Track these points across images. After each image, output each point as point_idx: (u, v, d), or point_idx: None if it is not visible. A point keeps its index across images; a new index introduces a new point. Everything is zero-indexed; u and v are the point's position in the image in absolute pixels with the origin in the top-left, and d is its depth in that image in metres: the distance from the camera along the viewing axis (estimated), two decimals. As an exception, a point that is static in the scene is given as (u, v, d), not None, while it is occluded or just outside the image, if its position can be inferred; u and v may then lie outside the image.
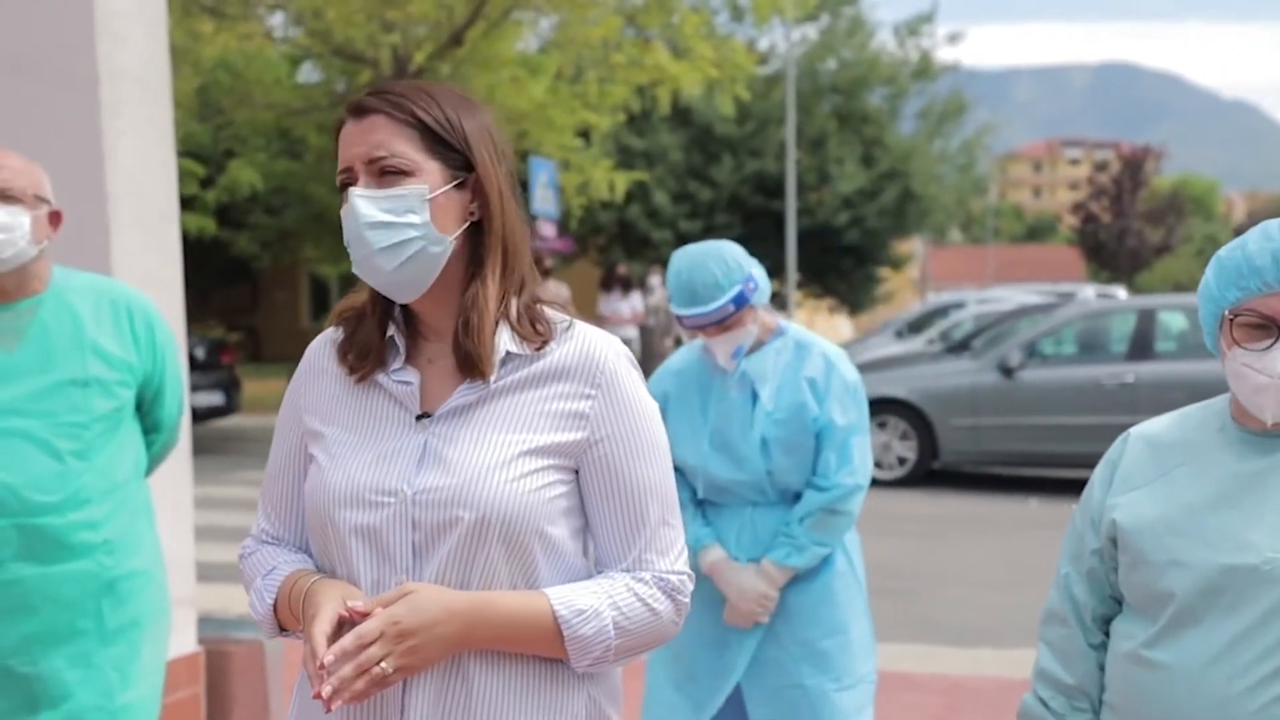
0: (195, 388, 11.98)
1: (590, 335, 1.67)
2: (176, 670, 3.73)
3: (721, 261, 3.03)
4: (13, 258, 2.55)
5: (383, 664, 1.50)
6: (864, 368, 12.34)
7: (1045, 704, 1.95)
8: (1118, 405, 9.78)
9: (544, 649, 1.60)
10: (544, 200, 15.32)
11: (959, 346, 13.19)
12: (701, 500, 3.25)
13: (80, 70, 3.65)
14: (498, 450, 1.59)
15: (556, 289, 14.34)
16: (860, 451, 3.16)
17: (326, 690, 1.48)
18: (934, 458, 10.69)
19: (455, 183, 1.62)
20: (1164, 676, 1.78)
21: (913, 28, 23.96)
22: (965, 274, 53.14)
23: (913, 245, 32.09)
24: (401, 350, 1.66)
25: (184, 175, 14.95)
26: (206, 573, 4.93)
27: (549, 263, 14.88)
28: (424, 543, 1.58)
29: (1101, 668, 1.91)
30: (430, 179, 1.60)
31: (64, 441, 2.57)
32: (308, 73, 16.57)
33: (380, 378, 1.66)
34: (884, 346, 18.54)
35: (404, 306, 1.67)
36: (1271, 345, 1.72)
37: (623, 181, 15.35)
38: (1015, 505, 9.86)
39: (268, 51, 14.34)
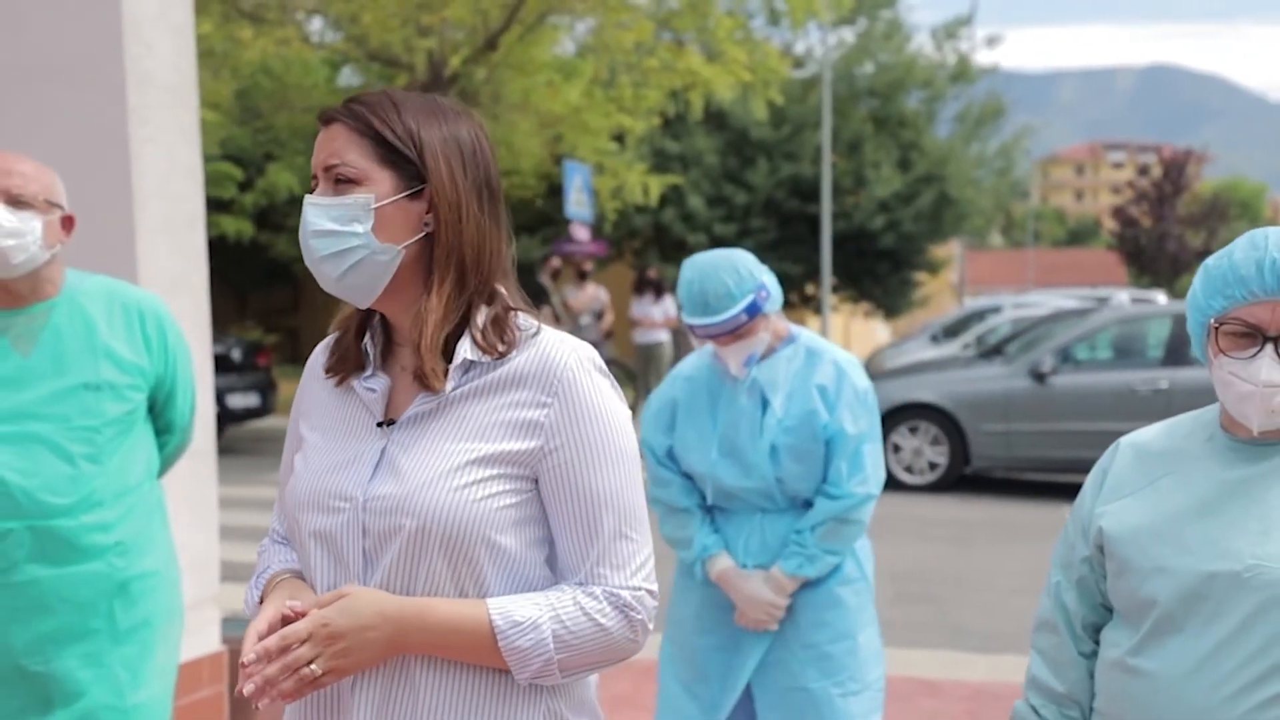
0: (231, 389, 12.12)
1: (553, 342, 1.65)
2: (200, 669, 3.79)
3: (734, 270, 3.02)
4: (24, 262, 2.58)
5: (312, 665, 1.51)
6: (896, 372, 12.30)
7: (1036, 711, 1.96)
8: (1151, 411, 9.69)
9: (483, 658, 1.58)
10: (578, 204, 15.37)
11: (992, 351, 13.11)
12: (710, 507, 3.26)
13: (108, 76, 3.71)
14: (446, 459, 1.59)
15: (595, 292, 14.38)
16: (872, 460, 3.16)
17: (248, 688, 1.50)
18: (965, 463, 10.64)
19: (407, 193, 1.61)
20: (1148, 684, 1.78)
21: (950, 31, 23.83)
22: (1005, 278, 52.77)
23: (951, 249, 31.89)
24: (372, 357, 1.69)
25: (223, 178, 15.11)
26: (234, 572, 4.99)
27: (588, 266, 14.90)
28: (373, 549, 1.60)
29: (1092, 676, 1.92)
30: (379, 188, 1.60)
31: (76, 445, 2.61)
32: (348, 77, 16.69)
33: (355, 384, 1.69)
34: (920, 351, 18.47)
35: (383, 317, 1.70)
36: (1256, 354, 1.72)
37: (657, 185, 15.36)
38: (1046, 511, 9.79)
39: (305, 56, 14.46)
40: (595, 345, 14.67)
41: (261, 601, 1.69)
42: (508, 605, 1.58)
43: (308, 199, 1.62)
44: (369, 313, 1.70)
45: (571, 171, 15.14)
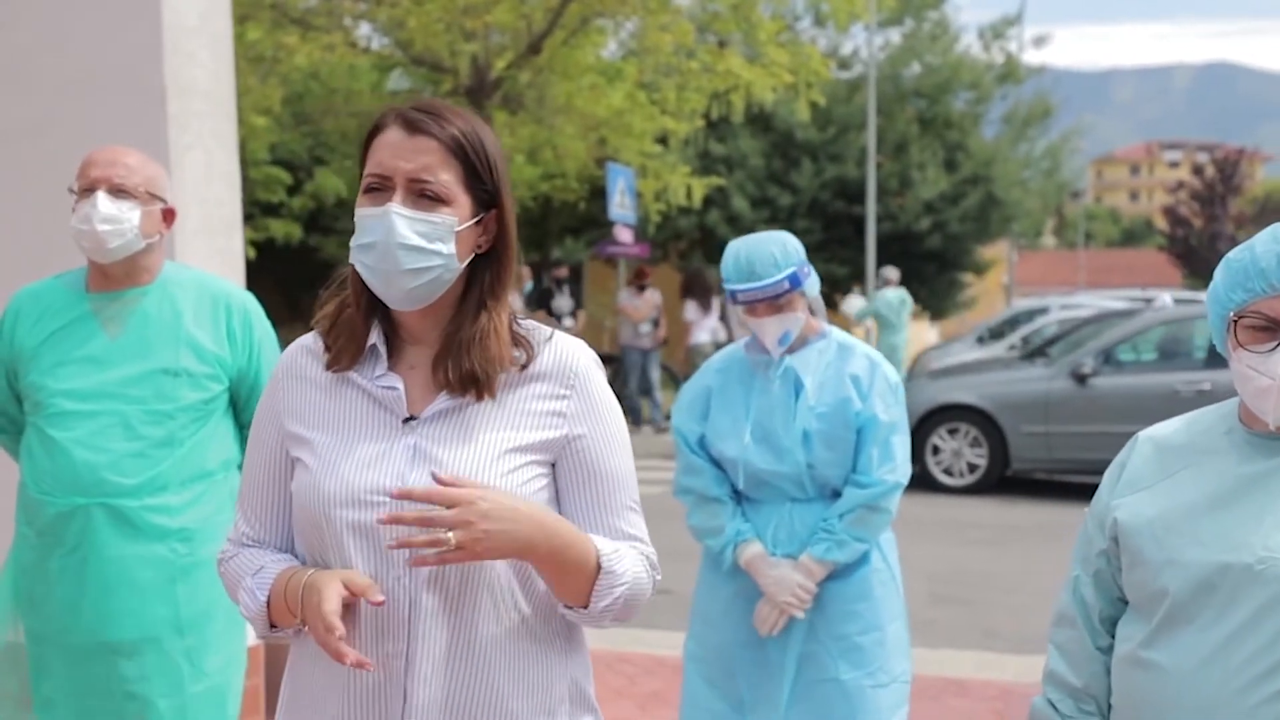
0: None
1: (564, 342, 1.80)
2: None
3: (780, 244, 3.18)
4: (120, 248, 2.70)
5: (450, 534, 1.58)
6: (937, 374, 12.27)
7: (1054, 706, 1.95)
8: (1194, 413, 9.60)
9: (576, 581, 1.70)
10: (621, 206, 15.43)
11: (1036, 352, 13.04)
12: (740, 497, 3.31)
13: (149, 85, 3.83)
14: (487, 448, 1.69)
15: (653, 299, 14.54)
16: (901, 449, 3.23)
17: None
18: (1005, 465, 10.59)
19: (479, 218, 1.73)
20: (1158, 676, 1.77)
21: (998, 31, 23.67)
22: (1056, 279, 52.20)
23: (1001, 250, 31.57)
24: (383, 356, 1.75)
25: (272, 183, 15.34)
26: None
27: (648, 276, 15.01)
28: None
29: (1109, 671, 1.90)
30: (460, 212, 1.70)
31: (149, 428, 2.70)
32: (396, 81, 16.86)
33: (362, 382, 1.75)
34: (966, 352, 18.36)
35: (386, 314, 1.76)
36: (1275, 348, 1.71)
37: (700, 187, 15.40)
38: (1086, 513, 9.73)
39: (350, 61, 14.63)
40: (649, 352, 14.56)
41: (268, 602, 1.72)
42: (598, 539, 1.73)
43: (396, 209, 1.67)
44: (374, 313, 1.76)
45: (614, 174, 15.20)
